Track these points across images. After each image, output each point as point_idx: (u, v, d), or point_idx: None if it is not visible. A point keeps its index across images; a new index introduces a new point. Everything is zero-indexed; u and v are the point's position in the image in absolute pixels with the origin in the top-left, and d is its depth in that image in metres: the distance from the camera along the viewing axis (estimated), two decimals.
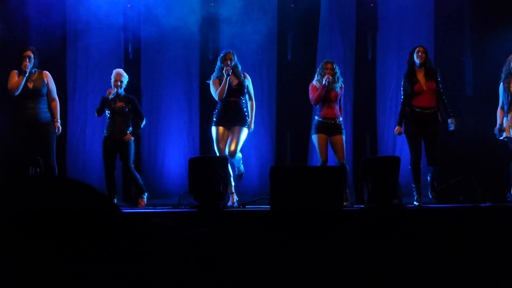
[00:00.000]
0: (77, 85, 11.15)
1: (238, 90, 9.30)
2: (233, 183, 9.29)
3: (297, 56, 11.52)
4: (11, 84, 8.93)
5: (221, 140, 9.25)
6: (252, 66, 11.16)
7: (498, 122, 9.31)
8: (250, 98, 9.49)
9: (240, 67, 9.38)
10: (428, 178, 9.28)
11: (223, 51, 9.56)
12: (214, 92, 9.30)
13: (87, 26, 10.93)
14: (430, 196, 9.19)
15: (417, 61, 9.21)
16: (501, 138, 9.30)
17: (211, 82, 9.41)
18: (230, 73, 9.19)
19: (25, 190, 1.76)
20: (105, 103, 9.24)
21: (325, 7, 11.53)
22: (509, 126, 9.19)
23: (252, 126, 9.45)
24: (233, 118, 9.25)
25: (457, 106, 10.67)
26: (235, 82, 9.30)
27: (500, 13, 11.02)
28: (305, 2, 11.35)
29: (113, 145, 9.30)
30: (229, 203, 9.08)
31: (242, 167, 9.47)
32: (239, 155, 9.29)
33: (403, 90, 9.28)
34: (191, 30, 11.23)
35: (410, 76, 9.23)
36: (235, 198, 9.23)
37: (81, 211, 1.74)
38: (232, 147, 9.20)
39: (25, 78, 8.90)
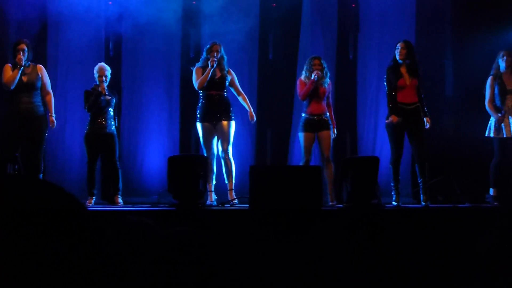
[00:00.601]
0: (57, 82, 11.07)
1: (220, 83, 9.28)
2: (214, 182, 9.28)
3: (278, 55, 11.51)
4: (6, 78, 8.90)
5: (208, 136, 9.22)
6: (233, 65, 11.06)
7: (495, 115, 9.30)
8: (240, 93, 9.51)
9: (226, 59, 9.39)
10: (420, 184, 9.18)
11: (210, 42, 9.55)
12: (195, 80, 9.26)
13: (68, 23, 10.87)
14: (423, 204, 9.07)
15: (397, 56, 9.22)
16: (487, 135, 9.31)
17: (194, 69, 9.37)
18: (215, 65, 9.16)
19: None
20: (98, 97, 9.23)
21: (307, 6, 11.52)
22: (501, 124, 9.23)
23: (254, 117, 9.50)
24: (217, 112, 9.23)
25: (437, 106, 10.72)
26: (218, 75, 9.27)
27: (481, 15, 11.07)
28: (287, 2, 11.34)
29: (97, 140, 9.28)
30: (208, 202, 9.06)
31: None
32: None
33: (387, 82, 9.26)
34: (172, 28, 11.21)
35: (394, 70, 9.22)
36: (214, 196, 9.20)
37: (46, 211, 1.72)
38: (225, 145, 9.19)
39: (20, 72, 8.87)
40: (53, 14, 10.95)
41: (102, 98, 9.26)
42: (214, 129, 9.24)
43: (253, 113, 9.49)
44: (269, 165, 10.97)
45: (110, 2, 11.09)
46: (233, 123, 9.28)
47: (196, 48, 11.22)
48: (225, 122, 9.21)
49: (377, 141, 11.16)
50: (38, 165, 8.97)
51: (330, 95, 9.53)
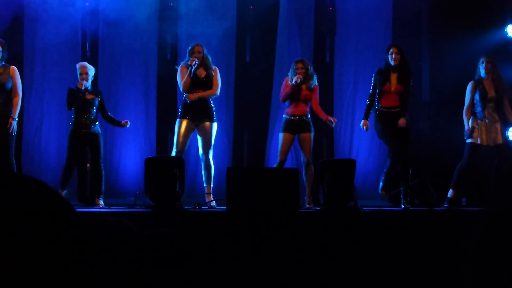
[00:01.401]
0: (34, 83, 11.04)
1: (206, 83, 9.20)
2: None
3: (255, 58, 11.53)
4: None
5: (182, 135, 9.12)
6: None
7: (468, 124, 9.24)
8: (214, 87, 9.27)
9: (210, 59, 9.32)
10: (402, 189, 9.14)
11: (191, 44, 9.50)
12: (180, 80, 9.20)
13: (44, 23, 10.83)
14: (403, 207, 9.04)
15: (391, 62, 9.16)
16: (468, 141, 9.28)
17: (179, 68, 9.30)
18: (194, 64, 9.10)
19: None
20: (76, 95, 9.11)
21: (284, 9, 11.54)
22: (478, 131, 9.20)
23: (193, 97, 9.17)
24: (200, 112, 9.16)
25: (413, 109, 10.76)
26: (203, 74, 9.21)
27: (457, 20, 11.13)
28: (264, 4, 11.36)
29: (81, 139, 9.17)
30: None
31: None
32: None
33: (373, 82, 9.23)
34: (149, 29, 11.22)
35: (385, 74, 9.16)
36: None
37: (33, 209, 1.71)
38: (206, 148, 9.13)
39: None
40: (29, 14, 10.93)
41: (81, 95, 9.14)
42: (193, 128, 9.19)
43: (195, 96, 9.16)
44: (247, 167, 10.97)
45: (87, 3, 11.05)
46: (215, 125, 9.22)
47: (173, 49, 11.22)
48: (207, 123, 9.15)
49: (354, 144, 11.20)
50: (10, 164, 8.81)
51: (317, 96, 9.45)
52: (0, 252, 1.62)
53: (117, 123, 9.52)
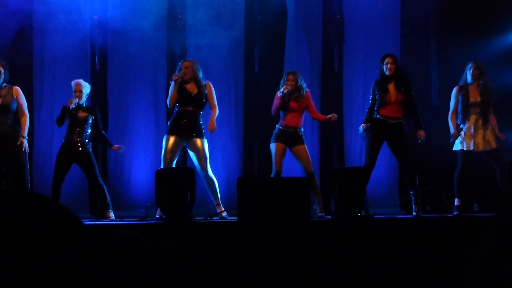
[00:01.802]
0: (44, 97, 11.07)
1: (197, 100, 9.12)
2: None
3: (264, 67, 11.54)
4: None
5: (170, 151, 9.04)
6: (219, 77, 11.17)
7: (452, 129, 9.28)
8: (213, 106, 9.26)
9: (200, 75, 9.24)
10: (412, 197, 9.14)
11: (181, 60, 9.50)
12: (169, 96, 9.18)
13: (54, 38, 10.86)
14: (414, 214, 9.00)
15: (386, 72, 9.18)
16: (454, 149, 9.29)
17: (172, 83, 9.23)
18: (175, 80, 9.05)
19: None
20: (66, 112, 9.12)
21: (292, 18, 11.55)
22: (463, 138, 9.20)
23: (214, 127, 9.16)
24: (188, 128, 9.06)
25: (423, 116, 10.75)
26: (195, 91, 9.16)
27: (464, 25, 11.13)
28: (272, 13, 11.37)
29: (69, 156, 9.15)
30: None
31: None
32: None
33: (372, 95, 9.25)
34: (158, 41, 11.25)
35: (382, 85, 9.17)
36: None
37: (42, 224, 1.71)
38: (203, 163, 9.10)
39: None
40: (37, 26, 10.98)
41: (74, 112, 9.14)
42: (180, 144, 9.12)
43: (214, 124, 9.13)
44: (257, 177, 10.97)
45: (96, 17, 11.09)
46: (205, 140, 9.12)
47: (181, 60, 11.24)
48: (197, 140, 9.06)
49: (364, 152, 11.19)
50: (25, 182, 8.86)
51: (312, 103, 9.45)
52: (11, 267, 1.63)
53: (109, 145, 9.50)
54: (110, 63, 11.45)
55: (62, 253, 1.69)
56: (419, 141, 9.19)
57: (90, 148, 9.26)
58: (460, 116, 9.25)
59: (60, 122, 9.16)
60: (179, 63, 9.38)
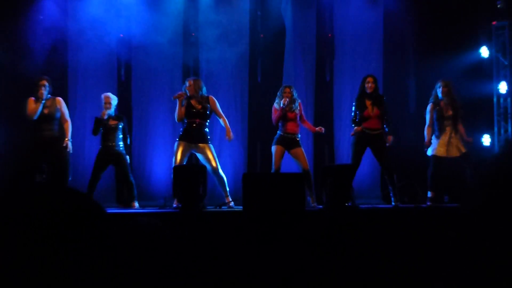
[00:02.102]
0: (77, 105, 11.11)
1: (202, 114, 9.19)
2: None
3: (265, 78, 11.55)
4: (30, 110, 8.90)
5: (179, 154, 9.09)
6: (227, 87, 11.29)
7: (426, 139, 9.37)
8: (220, 116, 9.35)
9: (201, 92, 9.28)
10: (391, 193, 9.26)
11: (186, 79, 9.55)
12: (175, 112, 9.24)
13: (85, 52, 10.91)
14: (393, 204, 9.14)
15: (367, 90, 9.28)
16: (428, 154, 9.37)
17: (177, 101, 9.28)
18: (176, 97, 9.14)
19: (23, 196, 1.74)
20: (100, 123, 9.23)
21: (290, 37, 11.60)
22: (436, 146, 9.28)
23: (231, 135, 9.33)
24: (195, 137, 9.13)
25: (401, 121, 10.79)
26: (199, 106, 9.20)
27: (439, 42, 11.17)
28: (273, 32, 11.42)
29: (107, 158, 9.28)
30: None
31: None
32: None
33: (354, 111, 9.41)
34: (174, 57, 11.31)
35: (360, 102, 9.32)
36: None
37: (69, 214, 1.73)
38: (214, 164, 9.13)
39: (42, 105, 8.87)
40: (72, 43, 11.05)
41: (106, 122, 9.24)
42: (189, 150, 9.16)
43: (231, 133, 9.31)
44: (260, 173, 10.97)
45: (122, 35, 11.12)
46: (211, 145, 9.21)
47: (195, 74, 11.25)
48: (203, 145, 9.14)
49: (351, 154, 11.20)
50: (66, 176, 8.98)
51: (303, 113, 9.52)
52: (44, 254, 1.64)
53: (126, 148, 9.59)
54: (133, 75, 11.48)
55: (86, 241, 1.70)
56: (387, 144, 9.24)
57: (124, 150, 9.35)
58: (436, 129, 9.30)
59: (95, 132, 9.30)
60: (186, 81, 9.43)
